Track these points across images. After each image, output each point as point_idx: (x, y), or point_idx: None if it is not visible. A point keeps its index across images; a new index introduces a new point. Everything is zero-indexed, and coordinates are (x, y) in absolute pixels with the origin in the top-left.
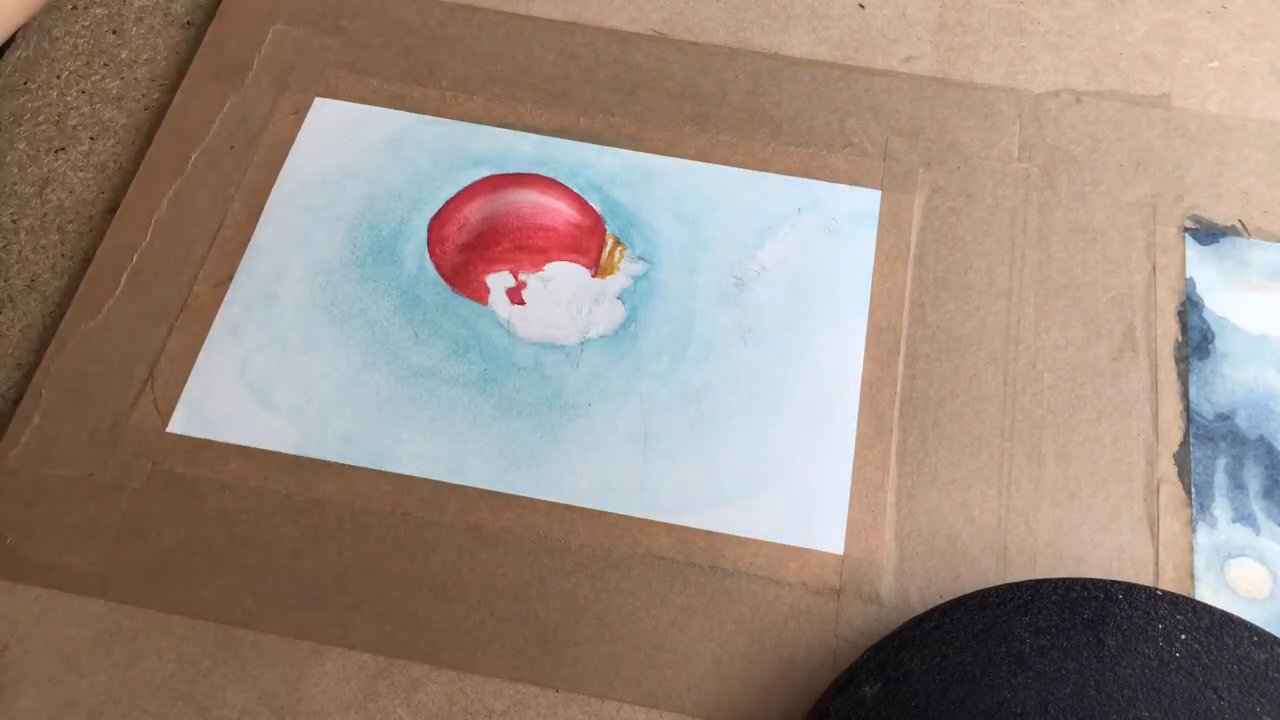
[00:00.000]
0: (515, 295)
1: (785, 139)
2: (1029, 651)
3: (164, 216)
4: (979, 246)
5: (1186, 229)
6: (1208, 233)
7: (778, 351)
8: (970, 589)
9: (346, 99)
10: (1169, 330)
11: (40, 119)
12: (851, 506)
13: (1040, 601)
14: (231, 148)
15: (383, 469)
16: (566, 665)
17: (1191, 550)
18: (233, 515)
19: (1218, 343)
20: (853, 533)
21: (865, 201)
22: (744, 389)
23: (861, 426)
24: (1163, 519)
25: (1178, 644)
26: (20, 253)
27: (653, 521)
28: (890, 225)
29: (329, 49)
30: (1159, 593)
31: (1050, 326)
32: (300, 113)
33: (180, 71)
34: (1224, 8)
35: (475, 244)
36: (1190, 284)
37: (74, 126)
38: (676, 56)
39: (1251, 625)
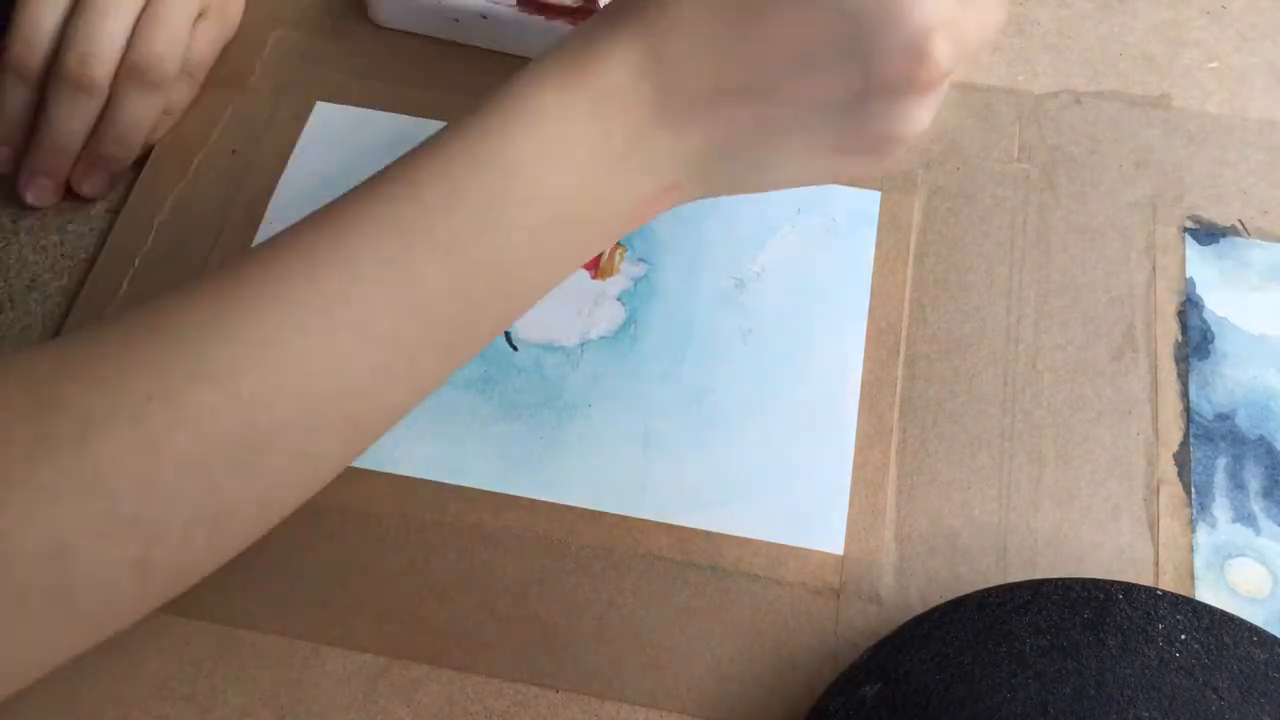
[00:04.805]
0: None
1: None
2: (1029, 651)
3: (166, 220)
4: (979, 246)
5: (1186, 229)
6: (1208, 233)
7: (778, 352)
8: (970, 589)
9: (347, 103)
10: (1169, 330)
11: None
12: (851, 506)
13: (1040, 601)
14: (233, 152)
15: (383, 470)
16: (566, 665)
17: (1191, 550)
18: None
19: (1218, 343)
20: (853, 533)
21: (865, 202)
22: (744, 389)
23: (861, 426)
24: (1163, 519)
25: (1178, 644)
26: (20, 253)
27: (653, 522)
28: (890, 225)
29: (330, 53)
30: (1159, 593)
31: (1050, 326)
32: (301, 117)
33: None
34: (1224, 8)
35: None
36: (1190, 284)
37: None
38: None
39: (1251, 625)
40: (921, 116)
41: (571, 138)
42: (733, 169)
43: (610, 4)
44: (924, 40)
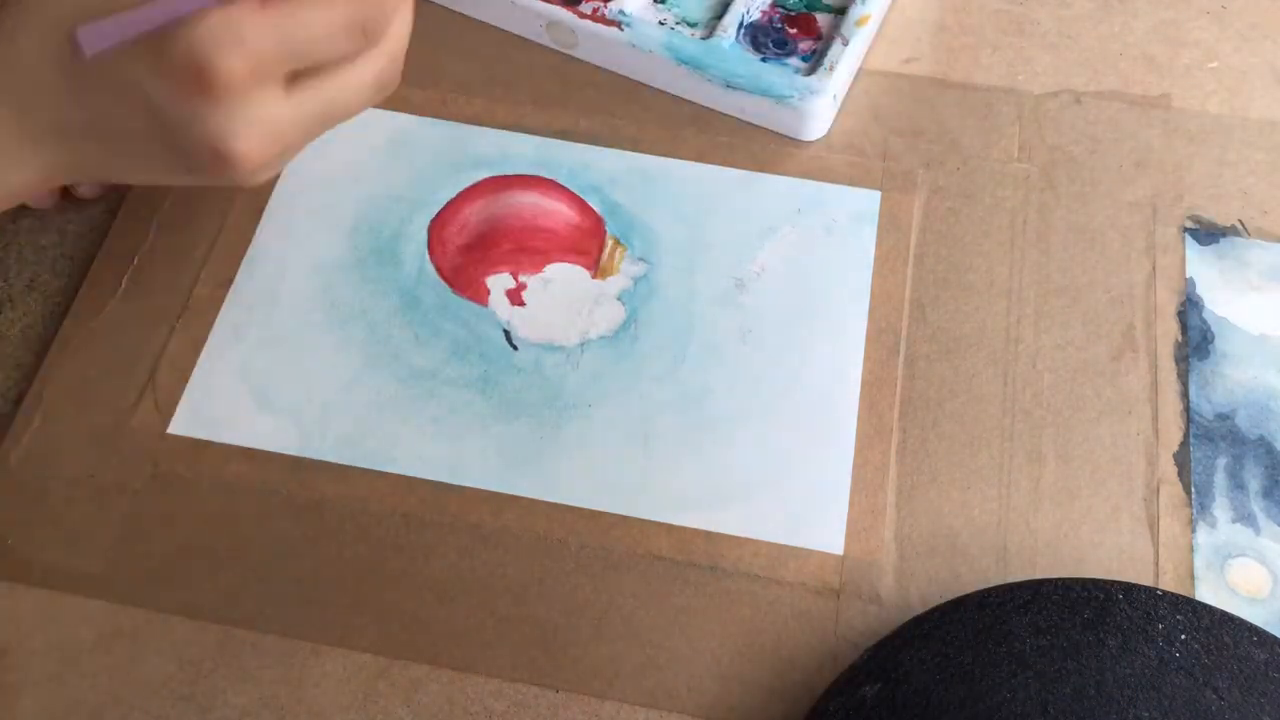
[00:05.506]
0: (515, 296)
1: (785, 140)
2: (1029, 651)
3: (165, 218)
4: (979, 246)
5: (1186, 229)
6: (1208, 233)
7: (778, 352)
8: (970, 589)
9: None
10: (1169, 330)
11: None
12: (851, 506)
13: (1040, 601)
14: None
15: (383, 469)
16: (566, 665)
17: (1191, 550)
18: (233, 516)
19: (1218, 343)
20: (853, 533)
21: (865, 202)
22: (744, 389)
23: (861, 427)
24: (1163, 519)
25: (1178, 644)
26: (20, 253)
27: (652, 522)
28: (890, 225)
29: None
30: (1159, 593)
31: (1050, 326)
32: None
33: None
34: (1224, 8)
35: (476, 245)
36: (1190, 284)
37: None
38: None
39: (1251, 625)
40: (231, 122)
41: None
42: (95, 174)
43: None
44: (193, 56)
